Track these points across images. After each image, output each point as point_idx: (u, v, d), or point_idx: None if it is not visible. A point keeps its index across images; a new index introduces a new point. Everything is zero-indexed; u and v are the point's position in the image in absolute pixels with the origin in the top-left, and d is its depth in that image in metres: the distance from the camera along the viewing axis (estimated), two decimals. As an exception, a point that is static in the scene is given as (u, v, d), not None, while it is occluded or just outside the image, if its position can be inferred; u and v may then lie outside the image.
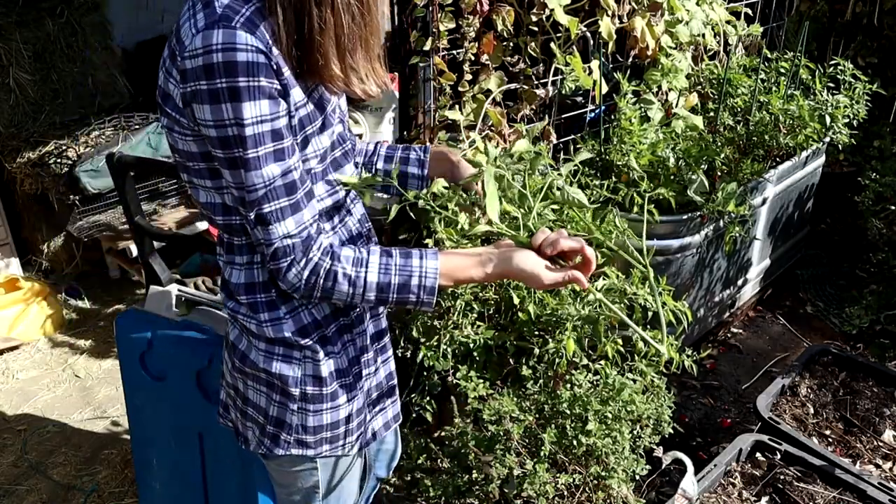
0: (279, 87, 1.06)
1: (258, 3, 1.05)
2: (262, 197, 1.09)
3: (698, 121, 2.64)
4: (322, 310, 1.27)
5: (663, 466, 1.91)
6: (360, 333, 1.33)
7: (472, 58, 2.15)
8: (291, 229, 1.11)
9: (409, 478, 2.10)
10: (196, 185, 1.18)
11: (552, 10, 2.14)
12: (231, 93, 1.01)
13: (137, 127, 3.67)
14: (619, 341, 1.91)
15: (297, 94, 1.10)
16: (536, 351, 1.95)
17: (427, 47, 2.04)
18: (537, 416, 1.81)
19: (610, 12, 2.37)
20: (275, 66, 1.05)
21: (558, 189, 1.40)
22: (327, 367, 1.27)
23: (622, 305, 1.82)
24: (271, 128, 1.06)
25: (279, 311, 1.24)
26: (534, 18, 2.20)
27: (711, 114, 2.82)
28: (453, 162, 1.39)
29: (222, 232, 1.24)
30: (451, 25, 2.05)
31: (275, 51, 1.05)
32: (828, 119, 2.80)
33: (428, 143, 1.44)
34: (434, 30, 2.03)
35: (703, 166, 2.47)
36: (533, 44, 2.26)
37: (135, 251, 3.36)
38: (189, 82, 1.03)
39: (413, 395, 2.16)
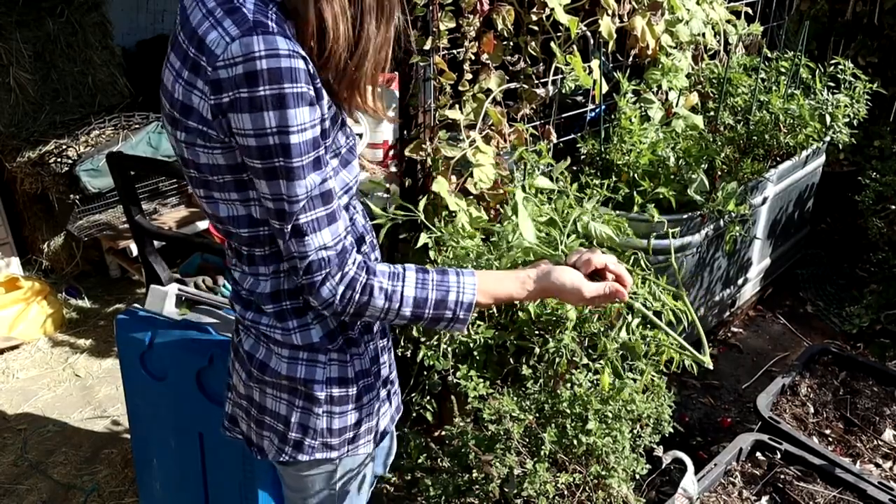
0: (314, 92, 1.03)
1: (275, 6, 1.03)
2: (300, 210, 1.05)
3: (698, 120, 2.64)
4: None
5: (663, 466, 1.91)
6: (376, 332, 1.34)
7: (473, 57, 2.14)
8: (328, 241, 1.08)
9: (409, 477, 2.10)
10: (216, 200, 1.14)
11: (552, 9, 2.14)
12: (276, 100, 0.98)
13: (137, 126, 3.67)
14: (618, 342, 1.91)
15: (325, 97, 1.08)
16: (537, 350, 1.95)
17: (427, 46, 2.04)
18: (537, 415, 1.81)
19: (610, 12, 2.37)
20: (311, 71, 1.02)
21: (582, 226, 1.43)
22: (352, 368, 1.27)
23: (622, 305, 1.82)
24: (312, 135, 1.03)
25: (307, 316, 1.22)
26: (534, 18, 2.20)
27: (712, 113, 2.82)
28: None
29: (241, 245, 1.20)
30: (452, 25, 2.05)
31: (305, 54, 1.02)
32: (828, 118, 2.80)
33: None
34: (434, 29, 2.03)
35: (703, 166, 2.47)
36: (533, 43, 2.26)
37: (135, 250, 3.36)
38: (226, 92, 0.99)
39: (413, 395, 2.16)
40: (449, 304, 1.15)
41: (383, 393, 1.40)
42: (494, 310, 2.09)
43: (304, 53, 1.00)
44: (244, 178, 1.10)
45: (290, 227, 1.07)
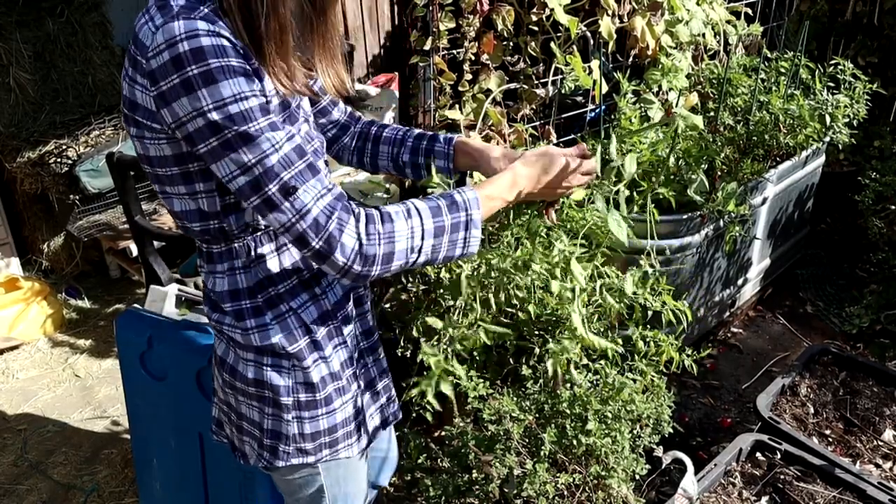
0: (251, 68, 1.04)
1: (213, 5, 1.04)
2: (276, 165, 1.03)
3: (698, 120, 2.64)
4: (310, 314, 1.25)
5: (663, 466, 1.91)
6: (349, 335, 1.33)
7: (472, 57, 2.15)
8: (320, 188, 1.06)
9: (409, 477, 2.10)
10: (169, 194, 1.15)
11: (552, 9, 2.14)
12: (205, 77, 0.99)
13: (137, 126, 3.67)
14: (619, 341, 1.91)
15: (268, 83, 1.08)
16: (537, 351, 1.95)
17: (427, 47, 2.04)
18: (537, 415, 1.81)
19: (610, 12, 2.38)
20: (241, 51, 1.03)
21: None
22: (318, 372, 1.26)
23: (622, 305, 1.82)
24: (257, 103, 1.02)
25: (265, 316, 1.22)
26: (534, 18, 2.20)
27: (711, 113, 2.82)
28: (480, 155, 1.41)
29: (201, 242, 1.22)
30: (451, 25, 2.05)
31: (238, 42, 1.03)
32: (828, 119, 2.80)
33: (452, 135, 1.48)
34: (434, 29, 2.04)
35: (703, 166, 2.47)
36: (533, 43, 2.26)
37: (135, 251, 3.36)
38: (160, 81, 1.01)
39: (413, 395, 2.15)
40: (459, 204, 1.16)
41: (365, 397, 1.39)
42: (494, 308, 2.09)
43: (227, 34, 1.01)
44: (190, 170, 1.11)
45: (275, 187, 1.03)
